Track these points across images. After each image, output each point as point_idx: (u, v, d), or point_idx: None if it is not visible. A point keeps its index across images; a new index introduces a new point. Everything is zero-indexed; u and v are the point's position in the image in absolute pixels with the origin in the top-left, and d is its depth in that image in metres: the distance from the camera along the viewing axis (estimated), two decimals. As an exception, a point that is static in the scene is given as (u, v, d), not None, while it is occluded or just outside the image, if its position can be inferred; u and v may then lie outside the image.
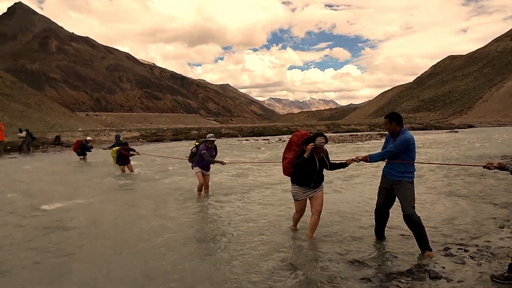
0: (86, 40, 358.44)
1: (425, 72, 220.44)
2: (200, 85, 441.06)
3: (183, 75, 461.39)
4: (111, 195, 9.47)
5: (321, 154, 5.22)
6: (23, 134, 23.27)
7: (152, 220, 6.77)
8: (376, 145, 25.20)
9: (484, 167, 4.13)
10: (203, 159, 8.44)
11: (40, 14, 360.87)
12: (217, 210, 7.54)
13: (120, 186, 10.93)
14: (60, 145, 29.41)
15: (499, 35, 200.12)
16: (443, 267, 4.25)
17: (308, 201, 5.45)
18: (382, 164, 5.07)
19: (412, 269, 4.20)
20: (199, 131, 47.97)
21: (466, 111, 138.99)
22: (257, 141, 35.89)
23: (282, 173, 5.62)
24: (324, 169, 5.38)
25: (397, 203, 4.93)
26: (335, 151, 21.50)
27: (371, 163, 5.47)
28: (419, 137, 33.25)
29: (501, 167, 3.94)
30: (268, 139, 39.18)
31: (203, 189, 8.85)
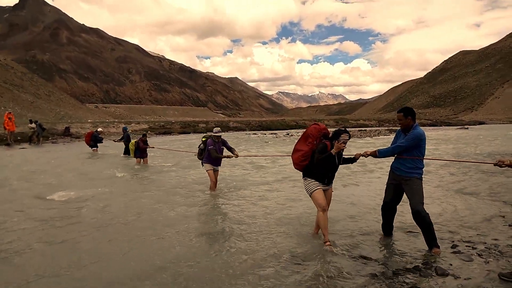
0: (96, 32, 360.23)
1: (436, 67, 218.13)
2: (209, 78, 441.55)
3: (192, 67, 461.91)
4: (122, 186, 9.54)
5: (340, 150, 5.02)
6: (33, 125, 23.52)
7: (160, 212, 6.82)
8: (384, 141, 25.05)
9: (495, 164, 4.09)
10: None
11: (51, 5, 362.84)
12: (226, 205, 7.56)
13: (131, 178, 11.00)
14: (70, 136, 29.73)
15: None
16: (451, 264, 4.24)
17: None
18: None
19: (419, 265, 4.18)
20: (207, 124, 48.08)
21: (477, 107, 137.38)
22: (265, 135, 35.88)
23: (293, 167, 5.31)
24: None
25: (405, 199, 4.90)
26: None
27: (385, 158, 5.36)
28: (429, 133, 32.96)
29: (513, 165, 3.90)
30: (276, 133, 39.14)
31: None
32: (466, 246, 4.84)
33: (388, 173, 5.17)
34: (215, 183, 8.56)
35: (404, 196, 4.89)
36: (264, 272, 4.10)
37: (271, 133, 39.90)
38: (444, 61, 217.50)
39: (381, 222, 5.34)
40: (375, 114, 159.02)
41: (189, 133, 40.86)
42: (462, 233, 5.41)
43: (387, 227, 5.28)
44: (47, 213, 6.77)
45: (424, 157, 4.79)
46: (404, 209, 5.75)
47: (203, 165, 8.51)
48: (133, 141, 13.40)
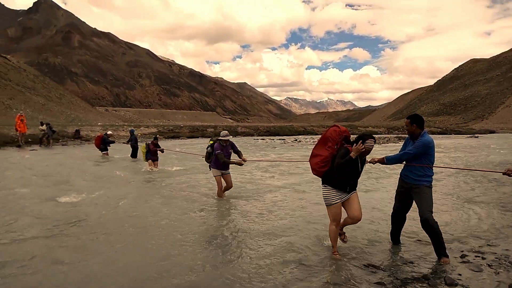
0: (108, 36, 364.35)
1: (446, 75, 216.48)
2: (218, 83, 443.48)
3: (201, 72, 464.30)
4: (131, 189, 9.60)
5: (364, 157, 4.74)
6: (44, 127, 23.78)
7: (168, 217, 6.85)
8: (393, 148, 24.89)
9: (504, 173, 4.07)
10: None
11: (64, 9, 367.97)
12: (233, 210, 7.58)
13: (141, 181, 11.06)
14: (80, 139, 29.99)
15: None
16: (460, 274, 4.19)
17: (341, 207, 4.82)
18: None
19: (427, 275, 4.15)
20: (215, 129, 48.25)
21: (488, 116, 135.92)
22: (273, 141, 35.87)
23: (312, 173, 4.91)
24: None
25: (414, 207, 4.87)
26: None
27: (398, 165, 5.28)
28: (439, 142, 32.71)
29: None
30: (284, 139, 39.11)
31: (223, 189, 8.36)
32: (476, 256, 4.78)
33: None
34: (222, 189, 8.30)
35: (414, 204, 4.85)
36: (270, 279, 4.09)
37: (279, 139, 39.88)
38: (455, 69, 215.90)
39: (390, 229, 5.31)
40: (384, 121, 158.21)
41: (198, 137, 41.03)
42: (472, 242, 5.35)
43: (396, 235, 5.24)
44: (57, 215, 6.84)
45: (433, 165, 4.76)
46: (415, 216, 5.71)
47: (210, 169, 8.32)
48: (143, 144, 13.48)
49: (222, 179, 8.27)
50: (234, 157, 8.28)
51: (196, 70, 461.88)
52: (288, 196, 8.84)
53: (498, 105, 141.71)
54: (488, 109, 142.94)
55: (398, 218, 5.11)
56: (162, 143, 21.45)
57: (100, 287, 3.90)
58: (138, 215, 6.94)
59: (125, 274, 4.19)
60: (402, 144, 5.22)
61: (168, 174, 12.18)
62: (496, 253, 4.88)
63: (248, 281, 4.03)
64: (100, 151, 17.73)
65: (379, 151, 23.51)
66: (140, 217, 6.75)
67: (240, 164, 7.88)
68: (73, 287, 3.90)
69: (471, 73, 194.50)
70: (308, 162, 4.98)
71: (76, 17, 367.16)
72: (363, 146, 4.46)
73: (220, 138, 7.98)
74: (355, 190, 4.81)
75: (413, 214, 5.23)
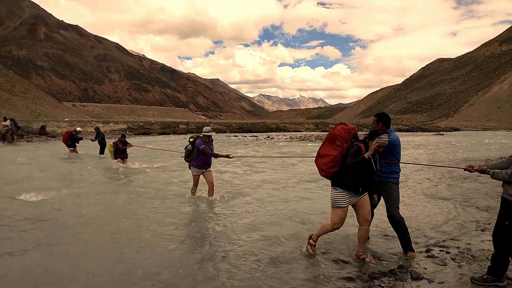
0: (76, 28, 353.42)
1: (414, 74, 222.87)
2: (190, 79, 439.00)
3: (173, 68, 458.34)
4: (99, 188, 9.37)
5: (377, 154, 4.47)
6: (8, 122, 22.88)
7: (138, 216, 6.72)
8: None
9: (465, 169, 4.21)
10: (202, 156, 7.60)
11: (29, 0, 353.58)
12: (206, 208, 7.52)
13: (110, 179, 10.82)
14: (45, 135, 29.05)
15: (488, 40, 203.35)
16: (425, 268, 4.32)
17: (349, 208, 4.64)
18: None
19: (394, 269, 4.25)
20: (187, 126, 47.79)
21: (453, 114, 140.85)
22: (245, 138, 35.87)
23: (320, 174, 4.69)
24: None
25: (382, 203, 4.97)
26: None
27: None
28: (406, 139, 33.63)
29: (482, 171, 4.02)
30: (256, 136, 39.20)
31: (208, 191, 8.00)
32: (440, 250, 4.94)
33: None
34: (208, 184, 7.93)
35: (382, 200, 4.96)
36: (241, 276, 4.08)
37: (252, 136, 39.93)
38: (422, 68, 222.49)
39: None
40: (354, 119, 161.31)
41: (169, 134, 40.54)
42: (437, 237, 5.52)
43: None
44: (20, 214, 6.58)
45: (400, 161, 4.87)
46: (382, 212, 5.83)
47: (190, 168, 7.96)
48: (111, 142, 13.09)
49: (202, 177, 7.91)
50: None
51: (168, 65, 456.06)
52: (270, 192, 8.81)
53: (463, 104, 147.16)
54: (453, 107, 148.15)
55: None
56: (132, 140, 21.03)
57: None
58: (104, 214, 6.78)
59: (91, 275, 4.09)
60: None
61: (139, 172, 11.96)
62: (459, 247, 5.06)
63: (216, 276, 4.01)
64: (67, 148, 17.17)
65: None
66: (107, 217, 6.59)
67: (229, 157, 7.49)
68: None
69: (437, 72, 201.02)
70: (281, 157, 4.97)
71: (42, 8, 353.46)
72: (377, 144, 4.24)
73: (203, 133, 7.64)
74: (366, 192, 4.60)
75: (380, 209, 5.34)
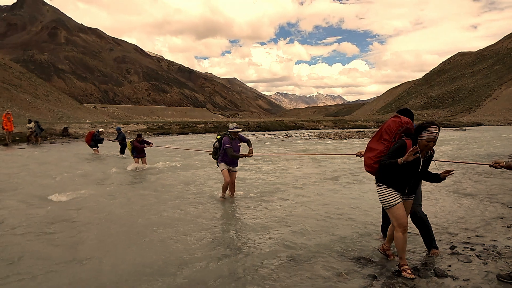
0: (95, 31, 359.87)
1: (434, 68, 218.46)
2: (207, 79, 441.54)
3: (191, 68, 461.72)
4: (121, 187, 9.54)
5: (429, 151, 3.98)
6: (32, 125, 23.49)
7: (161, 214, 6.82)
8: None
9: (491, 165, 4.11)
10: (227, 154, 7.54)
11: (49, 5, 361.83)
12: (227, 205, 7.57)
13: (130, 178, 10.99)
14: (68, 137, 29.71)
15: (511, 32, 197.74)
16: (449, 266, 4.26)
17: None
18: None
19: (417, 266, 4.20)
20: (205, 125, 48.09)
21: (475, 109, 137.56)
22: (263, 136, 35.89)
23: (365, 169, 4.38)
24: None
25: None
26: (343, 147, 21.48)
27: None
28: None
29: (508, 167, 3.93)
30: (274, 134, 39.17)
31: (228, 189, 7.90)
32: (465, 247, 4.86)
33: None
34: (228, 182, 7.74)
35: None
36: (262, 274, 4.11)
37: (270, 134, 39.92)
38: (442, 62, 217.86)
39: (381, 223, 5.36)
40: (373, 115, 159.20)
41: (188, 133, 40.89)
42: (461, 234, 5.44)
43: (387, 228, 5.28)
44: (46, 214, 6.77)
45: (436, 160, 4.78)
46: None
47: (218, 165, 7.84)
48: (129, 141, 13.36)
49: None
50: (243, 149, 7.96)
51: (185, 65, 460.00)
52: (291, 192, 8.80)
53: (485, 98, 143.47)
54: (475, 102, 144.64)
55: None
56: (152, 140, 21.29)
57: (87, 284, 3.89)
58: (127, 213, 6.90)
59: (113, 273, 4.18)
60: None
61: (158, 171, 12.10)
62: (484, 244, 4.96)
63: (240, 274, 4.05)
64: (90, 148, 17.55)
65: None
66: (130, 216, 6.72)
67: (249, 156, 7.54)
68: (66, 286, 3.88)
69: (458, 66, 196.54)
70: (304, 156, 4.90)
71: (62, 12, 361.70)
72: (417, 150, 3.69)
73: (229, 131, 7.55)
74: (414, 194, 4.19)
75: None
